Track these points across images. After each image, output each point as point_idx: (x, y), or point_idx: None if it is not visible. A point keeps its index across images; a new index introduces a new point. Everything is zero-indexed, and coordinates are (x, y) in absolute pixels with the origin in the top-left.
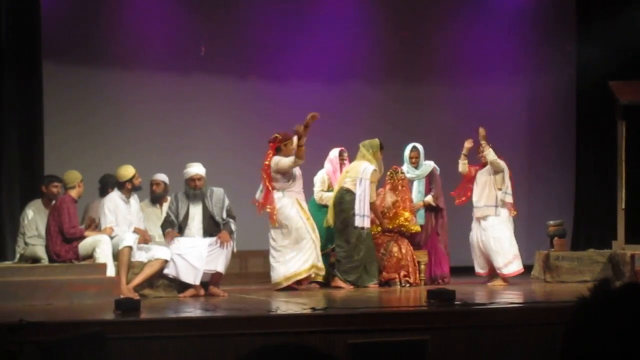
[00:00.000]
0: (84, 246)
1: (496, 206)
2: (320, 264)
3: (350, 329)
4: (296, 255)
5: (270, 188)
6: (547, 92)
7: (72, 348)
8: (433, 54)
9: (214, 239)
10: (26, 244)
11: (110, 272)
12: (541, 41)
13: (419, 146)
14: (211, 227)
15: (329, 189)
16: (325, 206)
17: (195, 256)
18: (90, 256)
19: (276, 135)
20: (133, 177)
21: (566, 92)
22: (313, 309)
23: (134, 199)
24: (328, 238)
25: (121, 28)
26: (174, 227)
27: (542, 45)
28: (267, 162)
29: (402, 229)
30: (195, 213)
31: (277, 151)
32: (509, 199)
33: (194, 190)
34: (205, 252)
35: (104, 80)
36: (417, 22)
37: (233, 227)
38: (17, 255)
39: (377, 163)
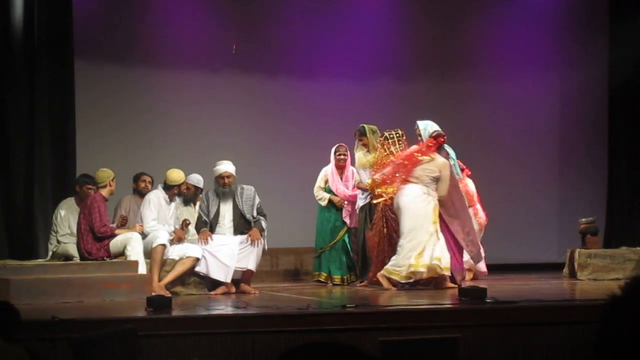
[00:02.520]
0: (115, 244)
1: None
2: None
3: (382, 326)
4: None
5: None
6: (579, 89)
7: (104, 345)
8: (464, 51)
9: (244, 236)
10: (58, 242)
11: (142, 269)
12: (573, 38)
13: (420, 123)
14: (242, 225)
15: (326, 184)
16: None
17: (227, 254)
18: (121, 254)
19: (442, 132)
20: (182, 184)
21: (598, 89)
22: (344, 306)
23: (174, 202)
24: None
25: (152, 26)
26: (207, 226)
27: (575, 42)
28: (418, 155)
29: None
30: (226, 211)
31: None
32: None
33: (223, 188)
34: (236, 250)
35: (135, 77)
36: (447, 19)
37: (264, 224)
38: (50, 253)
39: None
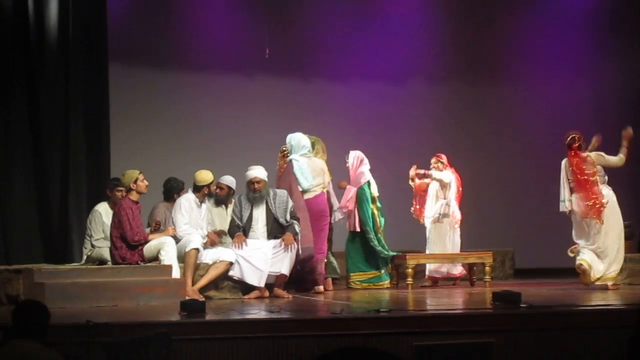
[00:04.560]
0: (148, 248)
1: (441, 214)
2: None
3: (416, 330)
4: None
5: (590, 183)
6: (611, 92)
7: (138, 349)
8: (497, 54)
9: (278, 240)
10: (93, 246)
11: (176, 273)
12: (608, 39)
13: (288, 137)
14: (275, 229)
15: None
16: None
17: (260, 258)
18: (155, 258)
19: (573, 135)
20: (211, 182)
21: (631, 91)
22: (378, 311)
23: (205, 204)
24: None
25: (186, 30)
26: (241, 231)
27: (607, 44)
28: (577, 160)
29: None
30: (259, 215)
31: (580, 149)
32: (451, 209)
33: (253, 193)
34: (269, 254)
35: (169, 81)
36: (480, 22)
37: (297, 228)
38: (84, 257)
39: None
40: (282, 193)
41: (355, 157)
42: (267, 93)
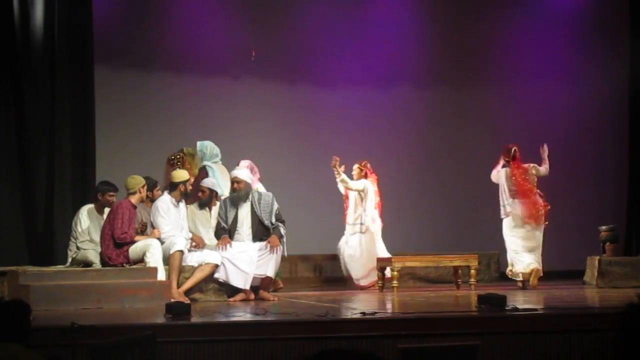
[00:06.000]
0: (134, 250)
1: (361, 224)
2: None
3: (401, 333)
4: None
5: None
6: (599, 95)
7: (123, 351)
8: (483, 58)
9: (263, 243)
10: (78, 248)
11: (161, 276)
12: (594, 44)
13: (199, 144)
14: (261, 232)
15: None
16: None
17: (245, 261)
18: (141, 260)
19: (514, 147)
20: (187, 180)
21: (619, 94)
22: (363, 313)
23: (182, 203)
24: None
25: (172, 33)
26: (226, 233)
27: (595, 47)
28: (521, 171)
29: None
30: (244, 217)
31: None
32: (366, 218)
33: (233, 192)
34: (255, 257)
35: (155, 84)
36: (467, 26)
37: (282, 231)
38: (69, 260)
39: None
40: (267, 196)
41: (246, 167)
42: (253, 95)
